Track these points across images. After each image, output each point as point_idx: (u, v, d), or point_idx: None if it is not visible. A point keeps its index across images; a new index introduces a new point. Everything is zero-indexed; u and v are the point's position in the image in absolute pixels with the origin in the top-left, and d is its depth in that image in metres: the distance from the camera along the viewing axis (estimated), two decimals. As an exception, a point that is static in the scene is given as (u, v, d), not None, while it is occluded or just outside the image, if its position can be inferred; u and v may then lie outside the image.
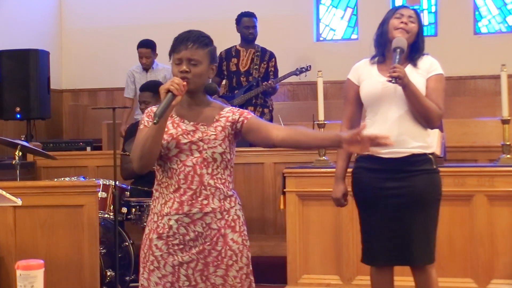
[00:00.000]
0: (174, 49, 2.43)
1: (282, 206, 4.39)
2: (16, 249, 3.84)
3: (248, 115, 2.47)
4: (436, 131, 4.02)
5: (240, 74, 5.93)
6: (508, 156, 4.21)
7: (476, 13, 7.42)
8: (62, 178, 4.55)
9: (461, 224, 4.11)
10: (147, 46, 6.24)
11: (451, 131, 5.31)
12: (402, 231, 3.14)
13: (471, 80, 7.20)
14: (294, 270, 4.35)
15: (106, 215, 4.41)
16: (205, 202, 2.40)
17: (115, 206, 4.25)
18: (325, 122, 4.47)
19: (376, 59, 3.24)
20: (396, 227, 3.14)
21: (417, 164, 3.13)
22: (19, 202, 2.52)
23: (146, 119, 2.45)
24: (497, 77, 4.72)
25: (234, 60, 5.96)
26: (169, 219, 2.41)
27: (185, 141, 2.41)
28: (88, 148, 6.63)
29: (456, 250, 4.14)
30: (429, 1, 7.56)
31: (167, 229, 2.41)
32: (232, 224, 2.45)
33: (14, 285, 2.09)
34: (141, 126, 2.44)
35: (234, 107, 2.53)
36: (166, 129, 2.41)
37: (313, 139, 2.38)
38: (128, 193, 4.59)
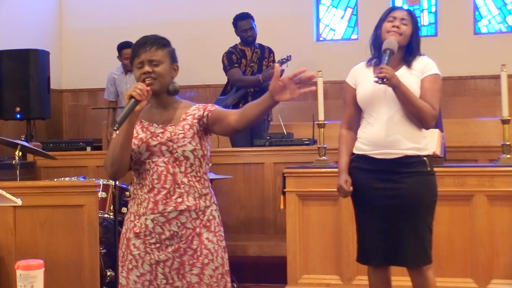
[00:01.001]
0: (134, 55, 2.49)
1: (282, 206, 4.39)
2: (16, 249, 3.84)
3: (211, 108, 2.50)
4: (436, 131, 4.03)
5: (253, 74, 5.95)
6: (508, 156, 4.21)
7: (476, 13, 7.42)
8: (62, 178, 4.55)
9: (461, 224, 4.11)
10: (130, 47, 6.22)
11: (451, 131, 5.31)
12: (394, 232, 3.15)
13: (471, 80, 7.20)
14: (294, 270, 4.35)
15: (106, 215, 4.41)
16: (179, 200, 2.43)
17: (115, 206, 4.25)
18: (325, 122, 4.47)
19: (372, 62, 3.26)
20: (387, 228, 3.15)
21: (410, 166, 3.14)
22: (19, 202, 2.52)
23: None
24: (497, 77, 4.72)
25: (244, 61, 5.97)
26: (146, 219, 2.45)
27: (155, 143, 2.45)
28: (88, 148, 6.62)
29: (456, 250, 4.14)
30: (429, 1, 7.56)
31: (144, 228, 2.45)
32: (208, 224, 2.48)
33: (14, 285, 2.09)
34: (114, 135, 2.48)
35: (200, 104, 2.56)
36: (135, 134, 2.46)
37: (255, 107, 2.35)
38: (128, 193, 4.59)
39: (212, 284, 2.46)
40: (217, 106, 2.53)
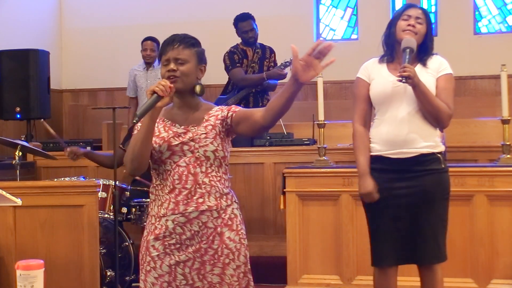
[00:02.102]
0: (161, 52, 2.48)
1: (282, 206, 4.39)
2: (16, 249, 3.84)
3: (236, 109, 2.49)
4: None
5: (254, 73, 5.94)
6: (508, 156, 4.21)
7: (476, 13, 7.42)
8: (62, 178, 4.56)
9: (461, 224, 4.11)
10: (152, 40, 6.27)
11: (451, 131, 5.29)
12: (410, 231, 3.14)
13: (471, 80, 7.20)
14: (294, 270, 4.35)
15: (106, 215, 4.41)
16: (200, 200, 2.42)
17: (115, 206, 4.25)
18: (325, 122, 4.47)
19: (385, 58, 3.24)
20: (404, 227, 3.15)
21: (426, 163, 3.13)
22: (19, 202, 2.52)
23: (139, 125, 2.47)
24: (497, 77, 4.72)
25: (245, 61, 5.96)
26: (166, 220, 2.43)
27: (176, 142, 2.44)
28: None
29: (456, 250, 4.14)
30: (429, 1, 7.56)
31: (164, 230, 2.43)
32: (229, 222, 2.47)
33: (14, 285, 2.09)
34: (135, 131, 2.46)
35: (223, 106, 2.55)
36: (157, 133, 2.45)
37: (280, 97, 2.32)
38: (128, 193, 4.59)
39: (233, 283, 2.44)
40: (240, 107, 2.52)
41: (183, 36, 2.49)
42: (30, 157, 5.62)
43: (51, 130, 4.52)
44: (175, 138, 2.45)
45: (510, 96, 4.37)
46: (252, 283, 2.53)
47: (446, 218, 3.20)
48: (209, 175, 2.44)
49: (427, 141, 3.13)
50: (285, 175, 4.39)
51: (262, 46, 6.01)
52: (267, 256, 5.09)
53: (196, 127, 2.46)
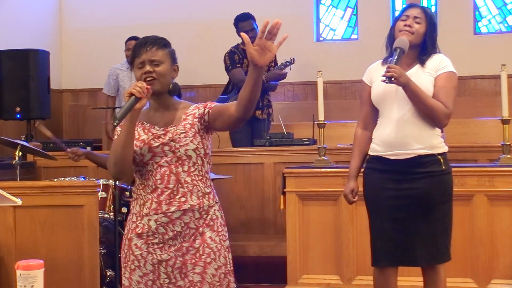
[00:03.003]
0: (134, 55, 2.49)
1: (282, 206, 4.39)
2: (16, 249, 3.84)
3: (211, 105, 2.50)
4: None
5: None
6: (508, 156, 4.21)
7: (476, 13, 7.42)
8: (62, 178, 4.55)
9: (461, 224, 4.10)
10: (136, 39, 6.23)
11: (451, 131, 5.29)
12: (407, 232, 3.14)
13: (471, 80, 7.20)
14: (294, 270, 4.35)
15: (106, 215, 4.41)
16: (183, 199, 2.44)
17: (115, 206, 4.25)
18: (325, 122, 4.47)
19: (388, 60, 3.23)
20: (401, 228, 3.14)
21: (424, 165, 3.12)
22: (19, 202, 2.52)
23: (119, 128, 2.49)
24: (497, 77, 4.72)
25: (245, 62, 5.96)
26: (149, 220, 2.45)
27: (157, 144, 2.45)
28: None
29: (456, 250, 4.12)
30: (429, 1, 7.55)
31: (147, 229, 2.45)
32: (211, 223, 2.49)
33: (14, 285, 2.09)
34: (115, 136, 2.48)
35: (199, 103, 2.56)
36: (137, 136, 2.46)
37: (246, 86, 2.32)
38: (128, 193, 4.59)
39: (214, 283, 2.46)
40: (216, 103, 2.53)
41: (154, 37, 2.51)
42: (30, 157, 5.62)
43: (48, 133, 4.52)
44: (155, 140, 2.46)
45: (510, 96, 4.37)
46: (232, 285, 2.54)
47: (448, 219, 3.19)
48: (191, 174, 2.46)
49: (423, 142, 3.12)
50: (285, 175, 4.39)
51: None
52: (267, 256, 5.09)
53: (175, 127, 2.47)
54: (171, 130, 2.47)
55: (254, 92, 2.31)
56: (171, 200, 2.43)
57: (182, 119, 2.49)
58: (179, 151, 2.44)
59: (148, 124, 2.51)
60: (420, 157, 3.12)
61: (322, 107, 4.44)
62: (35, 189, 3.90)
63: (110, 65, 6.70)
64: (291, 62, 5.79)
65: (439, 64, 3.17)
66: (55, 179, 4.57)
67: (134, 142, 2.44)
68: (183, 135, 2.45)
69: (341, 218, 4.29)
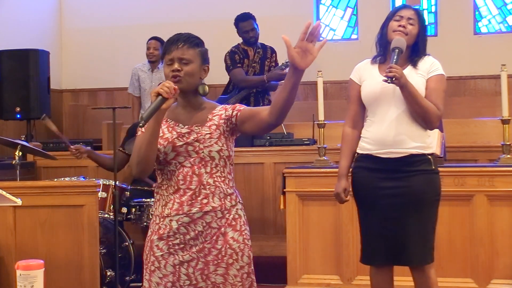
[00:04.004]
0: (165, 51, 2.46)
1: (282, 206, 4.39)
2: (16, 249, 3.84)
3: (240, 107, 2.48)
4: (436, 131, 4.02)
5: (255, 74, 5.94)
6: (508, 156, 4.21)
7: (476, 13, 7.41)
8: (62, 178, 4.56)
9: (461, 224, 4.11)
10: (157, 39, 6.25)
11: (451, 131, 5.31)
12: (399, 231, 3.15)
13: (471, 80, 7.20)
14: (294, 270, 4.35)
15: (106, 215, 4.41)
16: (204, 201, 2.41)
17: (115, 206, 4.25)
18: (325, 122, 4.47)
19: (377, 59, 3.25)
20: (392, 227, 3.15)
21: (415, 164, 3.14)
22: (19, 202, 2.52)
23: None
24: (497, 77, 4.72)
25: (246, 61, 5.96)
26: (170, 220, 2.42)
27: (181, 143, 2.43)
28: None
29: (456, 250, 4.14)
30: (429, 1, 7.55)
31: (168, 229, 2.42)
32: (233, 223, 2.46)
33: (14, 285, 2.09)
34: (139, 133, 2.45)
35: (226, 105, 2.54)
36: (161, 134, 2.43)
37: (283, 89, 2.28)
38: (128, 193, 4.59)
39: (236, 283, 2.44)
40: (244, 106, 2.50)
41: (188, 35, 2.47)
42: (30, 157, 5.62)
43: (53, 127, 4.52)
44: (179, 138, 2.43)
45: (510, 96, 4.37)
46: (255, 284, 2.54)
47: (434, 220, 3.20)
48: (214, 176, 2.43)
49: (416, 141, 3.13)
50: (285, 175, 4.39)
51: (263, 46, 6.01)
52: (267, 256, 5.09)
53: (200, 127, 2.44)
54: (196, 130, 2.44)
55: (292, 96, 2.27)
56: (193, 201, 2.40)
57: (208, 119, 2.46)
58: (202, 152, 2.42)
59: (173, 122, 2.47)
60: (412, 156, 3.13)
61: (322, 107, 4.44)
62: (35, 189, 3.91)
63: (110, 65, 6.71)
64: None
65: (431, 66, 3.19)
66: (55, 179, 4.58)
67: (159, 141, 2.42)
68: (208, 135, 2.42)
69: (341, 218, 4.29)
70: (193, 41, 2.46)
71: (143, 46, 6.40)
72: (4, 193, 2.44)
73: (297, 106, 7.27)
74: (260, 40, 6.04)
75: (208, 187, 2.42)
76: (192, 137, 2.43)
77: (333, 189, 3.35)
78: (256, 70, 5.95)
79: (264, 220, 5.32)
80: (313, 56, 2.21)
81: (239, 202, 2.51)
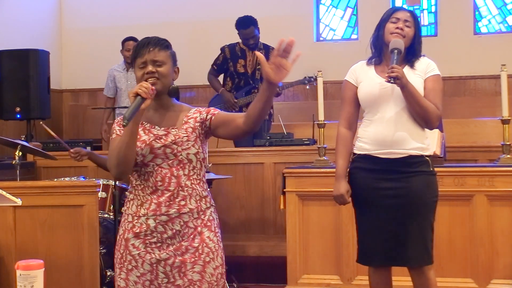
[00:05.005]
0: (136, 55, 2.50)
1: (282, 206, 4.39)
2: (16, 249, 3.84)
3: (214, 112, 2.52)
4: (436, 131, 4.03)
5: (248, 76, 5.94)
6: (508, 156, 4.21)
7: (476, 13, 7.42)
8: (62, 178, 4.55)
9: (461, 224, 4.11)
10: (134, 40, 6.24)
11: (451, 131, 5.31)
12: (397, 232, 3.15)
13: (471, 80, 7.20)
14: (294, 270, 4.35)
15: (106, 215, 4.41)
16: (182, 203, 2.45)
17: (115, 206, 4.25)
18: (325, 122, 4.47)
19: (373, 60, 3.26)
20: (390, 228, 3.15)
21: (414, 165, 3.14)
22: (19, 202, 2.52)
23: (117, 128, 2.50)
24: (497, 77, 4.72)
25: (242, 62, 5.95)
26: (147, 219, 2.45)
27: (159, 145, 2.45)
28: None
29: (456, 250, 4.14)
30: (429, 1, 7.56)
31: (145, 228, 2.45)
32: (208, 223, 2.50)
33: (14, 285, 2.09)
34: (113, 135, 2.48)
35: (200, 107, 2.58)
36: (138, 136, 2.45)
37: (258, 101, 2.35)
38: (128, 193, 4.59)
39: (212, 282, 2.46)
40: (219, 110, 2.55)
41: (157, 38, 2.52)
42: (30, 157, 5.62)
43: (52, 132, 4.53)
44: (157, 140, 2.46)
45: (510, 96, 4.37)
46: (227, 286, 2.56)
47: (433, 221, 3.20)
48: (191, 178, 2.47)
49: (415, 142, 3.14)
50: (285, 175, 4.39)
51: (266, 46, 6.00)
52: (267, 256, 5.09)
53: (176, 129, 2.48)
54: (173, 132, 2.47)
55: (265, 108, 2.35)
56: (171, 202, 2.44)
57: (183, 122, 2.49)
58: (181, 155, 2.45)
59: (148, 125, 2.51)
60: (411, 157, 3.14)
61: (322, 107, 4.44)
62: (35, 189, 3.91)
63: (110, 65, 6.70)
64: (316, 78, 5.80)
65: (427, 67, 3.21)
66: (55, 179, 4.57)
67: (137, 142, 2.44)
68: (185, 138, 2.46)
69: (341, 218, 4.29)
70: (163, 44, 2.51)
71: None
72: (4, 193, 2.44)
73: (297, 106, 7.31)
74: (260, 40, 6.03)
75: (186, 189, 2.45)
76: (169, 139, 2.46)
77: (333, 189, 3.34)
78: (256, 68, 5.94)
79: (264, 220, 5.32)
80: (287, 71, 2.27)
81: (212, 204, 2.56)
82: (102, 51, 7.98)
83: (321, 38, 7.83)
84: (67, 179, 4.52)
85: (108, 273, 4.14)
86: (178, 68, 2.56)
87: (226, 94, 5.96)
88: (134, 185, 2.52)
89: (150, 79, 2.43)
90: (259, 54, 2.33)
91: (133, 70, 6.79)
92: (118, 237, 2.54)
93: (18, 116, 6.62)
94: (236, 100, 5.90)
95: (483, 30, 7.44)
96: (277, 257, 4.87)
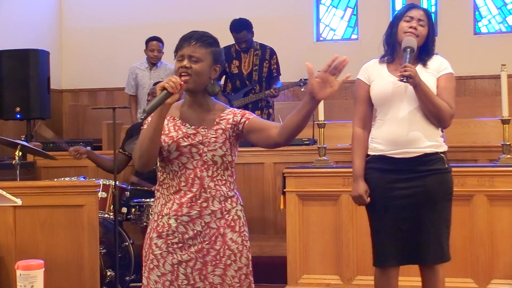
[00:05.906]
0: (178, 47, 2.44)
1: (282, 206, 4.39)
2: (16, 249, 3.84)
3: (250, 116, 2.45)
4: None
5: (243, 76, 5.93)
6: (508, 156, 4.21)
7: (476, 13, 7.42)
8: (62, 178, 4.55)
9: (461, 224, 4.11)
10: (158, 40, 6.25)
11: (451, 131, 5.27)
12: (414, 231, 3.13)
13: (471, 80, 7.20)
14: (294, 270, 4.35)
15: (106, 215, 4.41)
16: (204, 204, 2.41)
17: (115, 206, 4.25)
18: (325, 122, 4.47)
19: (385, 59, 3.23)
20: (407, 227, 3.14)
21: (429, 163, 3.13)
22: (19, 202, 2.52)
23: (149, 119, 2.44)
24: (497, 77, 4.73)
25: (236, 62, 5.94)
26: (169, 218, 2.42)
27: (185, 144, 2.41)
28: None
29: (456, 250, 4.13)
30: (429, 1, 7.56)
31: (167, 228, 2.42)
32: (232, 224, 2.46)
33: (14, 285, 2.09)
34: (145, 126, 2.43)
35: (236, 109, 2.52)
36: (167, 132, 2.42)
37: (297, 114, 2.29)
38: (128, 193, 4.59)
39: (234, 284, 2.43)
40: (254, 115, 2.48)
41: (201, 33, 2.44)
42: (30, 157, 5.62)
43: (49, 134, 4.53)
44: (184, 139, 2.42)
45: (510, 96, 4.37)
46: (253, 285, 2.53)
47: (449, 218, 3.20)
48: (215, 179, 2.42)
49: (430, 140, 3.13)
50: (285, 175, 4.39)
51: (263, 47, 5.99)
52: (267, 256, 5.09)
53: (206, 129, 2.42)
54: (202, 132, 2.42)
55: (304, 122, 2.29)
56: (193, 204, 2.40)
57: (215, 122, 2.44)
58: (206, 156, 2.41)
59: (180, 121, 2.45)
60: (426, 155, 3.12)
61: (322, 107, 4.44)
62: (35, 189, 3.91)
63: (110, 65, 6.71)
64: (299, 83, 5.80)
65: (440, 65, 3.19)
66: (55, 179, 4.57)
67: (163, 138, 2.40)
68: (213, 139, 2.41)
69: (341, 218, 4.29)
70: (206, 40, 2.42)
71: (143, 46, 6.39)
72: (4, 193, 2.44)
73: (297, 106, 7.27)
74: (260, 40, 6.03)
75: (209, 190, 2.41)
76: (197, 139, 2.41)
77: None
78: (254, 69, 5.93)
79: (264, 220, 5.32)
80: (333, 90, 2.22)
81: (239, 204, 2.51)
82: (102, 51, 7.99)
83: (321, 38, 7.83)
84: (67, 179, 4.51)
85: (108, 273, 4.14)
86: (219, 67, 2.46)
87: (221, 98, 5.92)
88: (161, 183, 2.49)
89: (183, 74, 2.37)
90: (309, 66, 2.22)
91: (156, 69, 6.79)
92: (145, 236, 2.51)
93: (18, 116, 6.62)
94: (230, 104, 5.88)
95: (483, 30, 7.44)
96: (277, 257, 4.87)
